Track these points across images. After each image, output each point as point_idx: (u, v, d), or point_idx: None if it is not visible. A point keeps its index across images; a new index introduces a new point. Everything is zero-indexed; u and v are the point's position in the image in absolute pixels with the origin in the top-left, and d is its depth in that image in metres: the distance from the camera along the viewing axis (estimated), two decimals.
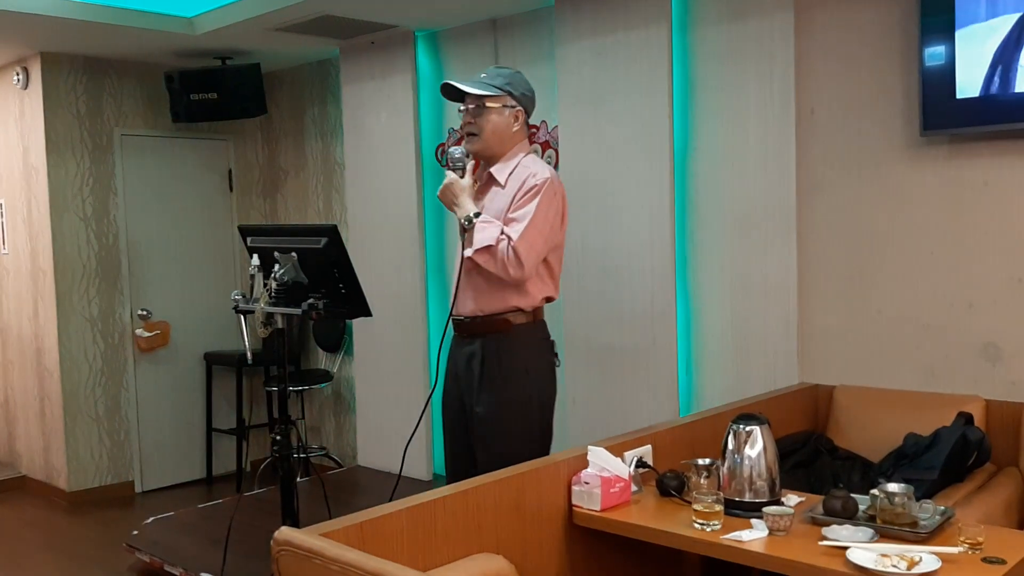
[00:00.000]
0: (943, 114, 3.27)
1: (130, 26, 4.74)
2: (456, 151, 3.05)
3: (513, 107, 3.03)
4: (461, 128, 3.11)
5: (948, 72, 3.23)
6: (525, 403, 3.01)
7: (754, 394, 3.70)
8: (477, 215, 2.93)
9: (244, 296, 3.45)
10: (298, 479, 5.26)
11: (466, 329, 3.07)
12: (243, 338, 3.59)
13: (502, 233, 2.91)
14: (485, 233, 2.90)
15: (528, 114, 3.10)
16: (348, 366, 5.78)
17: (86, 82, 5.46)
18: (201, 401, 5.93)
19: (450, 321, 3.13)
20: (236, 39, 5.09)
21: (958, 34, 3.20)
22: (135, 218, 5.65)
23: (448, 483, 2.92)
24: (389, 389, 5.30)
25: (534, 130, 4.55)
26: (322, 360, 5.97)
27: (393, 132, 5.17)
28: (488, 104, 3.00)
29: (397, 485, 3.03)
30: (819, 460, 3.24)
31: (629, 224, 4.10)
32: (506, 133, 3.03)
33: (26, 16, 4.45)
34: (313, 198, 5.95)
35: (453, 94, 3.11)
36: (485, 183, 3.10)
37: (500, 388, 2.98)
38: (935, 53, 3.26)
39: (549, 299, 3.13)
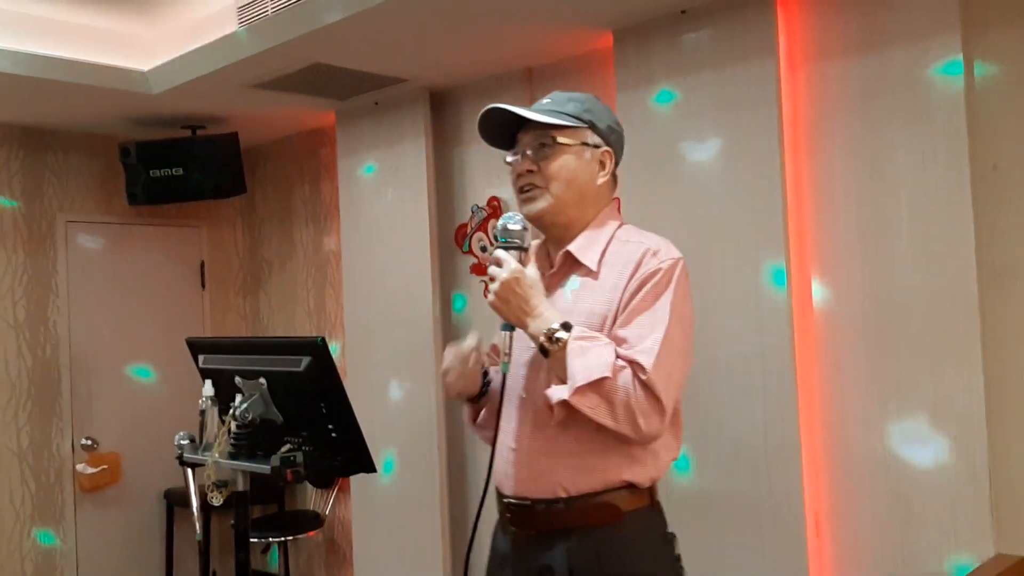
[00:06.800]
0: None
1: (72, 82, 3.85)
2: (512, 220, 1.84)
3: (597, 146, 1.88)
4: (515, 182, 1.92)
5: None
6: None
7: (926, 570, 2.67)
8: (568, 326, 1.74)
9: (193, 440, 2.47)
10: None
11: (538, 523, 1.83)
12: (191, 501, 2.51)
13: (619, 357, 1.73)
14: (592, 357, 1.70)
15: (617, 160, 1.94)
16: (344, 507, 4.75)
17: (23, 157, 4.64)
18: (160, 552, 4.97)
19: (502, 507, 1.93)
20: (206, 100, 4.15)
21: None
22: (81, 325, 4.77)
23: None
24: (395, 539, 4.23)
25: None
26: (311, 499, 4.97)
27: (402, 214, 4.21)
28: (560, 139, 1.85)
29: None
30: None
31: (728, 323, 3.05)
32: (588, 186, 1.88)
33: None
34: (303, 296, 5.09)
35: (498, 138, 1.95)
36: (558, 270, 1.92)
37: None
38: None
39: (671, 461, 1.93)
